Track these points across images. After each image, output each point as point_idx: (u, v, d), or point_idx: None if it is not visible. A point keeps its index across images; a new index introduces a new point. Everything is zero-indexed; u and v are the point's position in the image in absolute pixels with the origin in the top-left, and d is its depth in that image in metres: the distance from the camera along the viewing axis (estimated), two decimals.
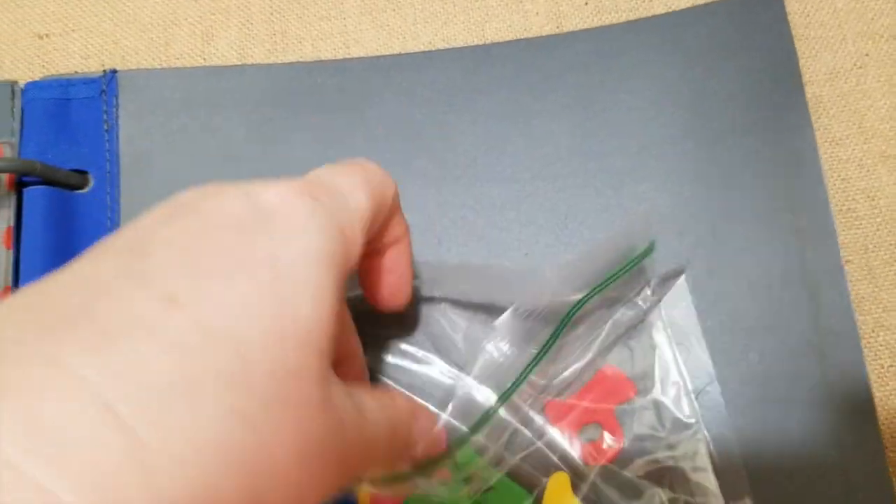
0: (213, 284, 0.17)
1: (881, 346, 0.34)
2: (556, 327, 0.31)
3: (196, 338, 0.16)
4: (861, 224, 0.35)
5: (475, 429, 0.31)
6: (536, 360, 0.31)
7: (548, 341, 0.31)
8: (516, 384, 0.31)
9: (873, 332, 0.34)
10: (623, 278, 0.32)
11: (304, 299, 0.18)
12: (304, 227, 0.20)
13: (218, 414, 0.16)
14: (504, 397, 0.31)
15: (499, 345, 0.32)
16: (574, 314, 0.31)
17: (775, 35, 0.36)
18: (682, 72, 0.36)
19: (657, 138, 0.36)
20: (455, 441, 0.31)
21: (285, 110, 0.36)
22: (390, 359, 0.33)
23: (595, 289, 0.31)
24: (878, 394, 0.33)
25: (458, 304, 0.34)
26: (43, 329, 0.16)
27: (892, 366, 0.34)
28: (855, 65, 0.37)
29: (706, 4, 0.37)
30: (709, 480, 0.31)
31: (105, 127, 0.36)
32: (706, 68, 0.36)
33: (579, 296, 0.31)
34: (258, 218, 0.19)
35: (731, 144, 0.35)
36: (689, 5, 0.37)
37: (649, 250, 0.32)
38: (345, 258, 0.21)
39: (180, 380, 0.15)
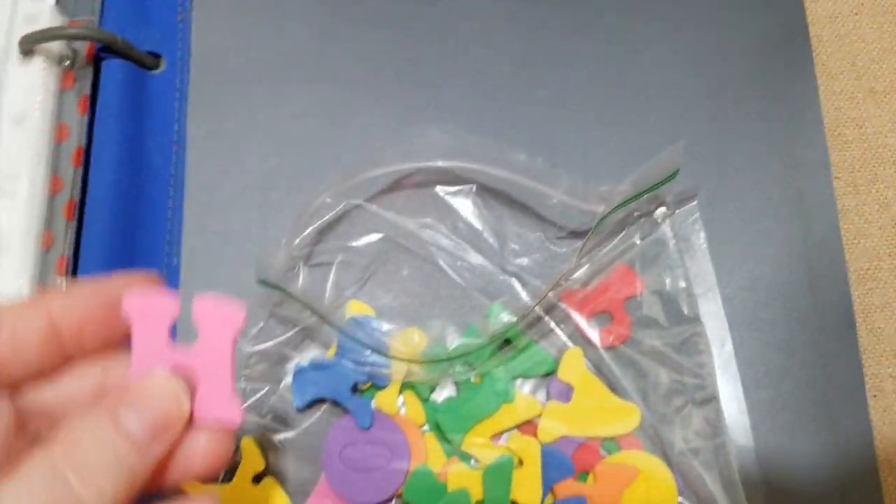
0: None
1: (860, 251, 0.38)
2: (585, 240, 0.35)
3: None
4: (850, 147, 0.40)
5: (520, 320, 0.34)
6: (574, 266, 0.34)
7: (581, 247, 0.35)
8: (556, 286, 0.34)
9: (855, 239, 0.38)
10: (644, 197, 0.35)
11: None
12: None
13: None
14: (541, 297, 0.34)
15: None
16: (602, 222, 0.35)
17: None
18: (704, 20, 0.40)
19: (676, 77, 0.40)
20: (499, 330, 0.34)
21: (345, 17, 0.40)
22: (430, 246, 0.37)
23: (620, 204, 0.35)
24: (856, 291, 0.37)
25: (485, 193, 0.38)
26: None
27: (869, 269, 0.38)
28: (852, 11, 0.42)
29: None
30: (708, 364, 0.35)
31: (179, 17, 0.39)
32: (726, 18, 0.40)
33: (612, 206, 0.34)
34: None
35: (744, 88, 0.39)
36: None
37: (672, 177, 0.35)
38: None
39: None
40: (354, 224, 0.37)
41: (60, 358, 0.23)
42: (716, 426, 0.35)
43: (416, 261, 0.37)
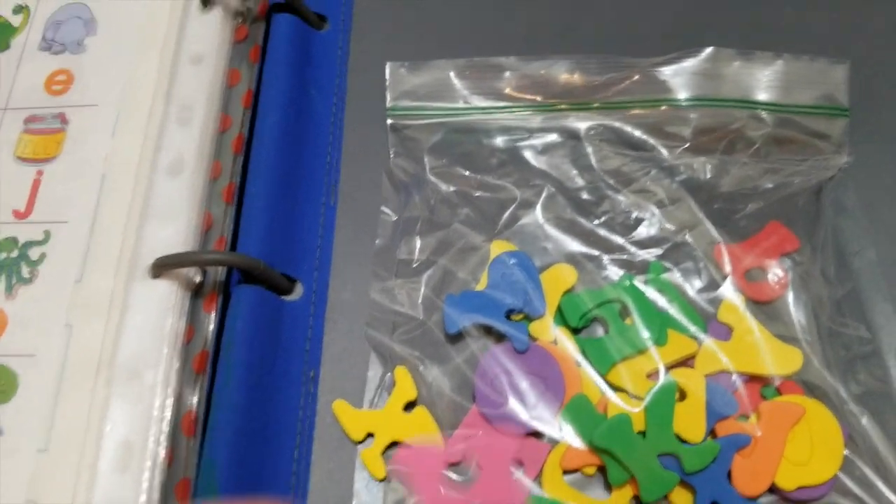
0: None
1: None
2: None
3: None
4: None
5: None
6: None
7: None
8: None
9: None
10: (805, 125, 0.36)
11: None
12: None
13: None
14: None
15: None
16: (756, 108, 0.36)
17: None
18: None
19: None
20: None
21: None
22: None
23: (785, 107, 0.35)
24: None
25: None
26: None
27: None
28: None
29: None
30: (869, 318, 0.34)
31: None
32: None
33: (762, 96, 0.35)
34: None
35: None
36: None
37: (844, 110, 0.35)
38: None
39: None
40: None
41: None
42: (881, 380, 0.33)
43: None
